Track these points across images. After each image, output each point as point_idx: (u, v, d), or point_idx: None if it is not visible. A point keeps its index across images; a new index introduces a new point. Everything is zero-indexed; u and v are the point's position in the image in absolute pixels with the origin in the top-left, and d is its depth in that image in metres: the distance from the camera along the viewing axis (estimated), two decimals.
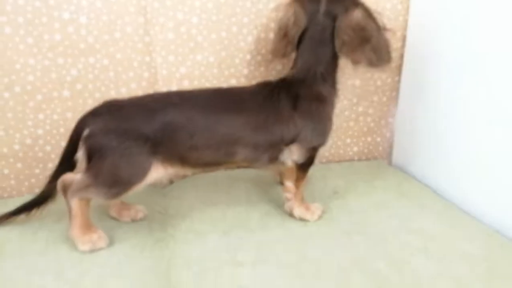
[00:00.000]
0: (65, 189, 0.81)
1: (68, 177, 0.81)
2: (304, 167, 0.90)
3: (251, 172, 1.13)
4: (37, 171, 1.04)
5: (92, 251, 0.80)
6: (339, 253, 0.78)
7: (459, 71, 0.95)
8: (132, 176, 0.79)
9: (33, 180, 1.05)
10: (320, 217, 0.91)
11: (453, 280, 0.71)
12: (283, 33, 0.86)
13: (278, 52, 0.89)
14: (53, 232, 0.87)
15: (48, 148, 1.03)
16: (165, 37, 1.02)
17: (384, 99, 1.21)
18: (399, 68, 1.17)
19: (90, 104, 1.02)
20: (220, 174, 1.14)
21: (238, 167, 1.10)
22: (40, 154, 1.03)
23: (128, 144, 0.77)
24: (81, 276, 0.74)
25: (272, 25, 1.06)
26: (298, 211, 0.90)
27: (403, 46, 1.15)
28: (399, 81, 1.19)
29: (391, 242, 0.82)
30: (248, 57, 1.08)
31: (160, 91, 0.99)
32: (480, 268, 0.73)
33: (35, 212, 0.86)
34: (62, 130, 1.02)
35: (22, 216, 0.87)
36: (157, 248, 0.82)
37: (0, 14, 0.92)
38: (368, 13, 0.83)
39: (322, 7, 0.83)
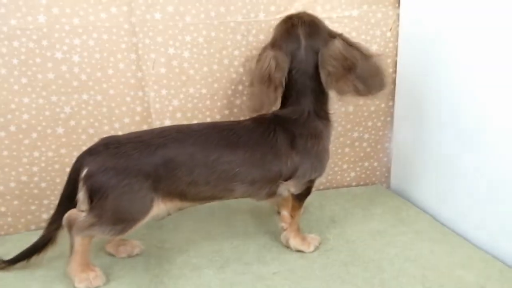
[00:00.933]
0: (71, 225, 0.79)
1: (73, 213, 0.80)
2: (300, 197, 0.90)
3: (248, 203, 1.12)
4: (33, 207, 1.04)
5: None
6: (336, 285, 0.77)
7: (452, 93, 0.96)
8: (135, 213, 0.79)
9: (29, 217, 1.05)
10: (317, 248, 0.90)
11: None
12: (266, 80, 0.84)
13: (266, 102, 0.86)
14: (52, 270, 0.86)
15: (43, 184, 1.03)
16: (157, 72, 1.03)
17: (379, 124, 1.21)
18: (392, 93, 1.18)
19: (84, 139, 1.03)
20: (217, 205, 1.13)
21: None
22: (36, 191, 1.03)
23: (128, 181, 0.77)
24: None
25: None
26: (293, 242, 0.89)
27: (394, 71, 1.16)
28: (393, 106, 1.20)
29: (388, 271, 0.81)
30: (240, 87, 1.09)
31: (158, 127, 0.98)
32: None
33: (35, 259, 0.84)
34: (56, 166, 1.03)
35: (21, 263, 0.84)
36: (153, 285, 0.81)
37: None
38: (348, 41, 0.84)
39: (302, 44, 0.84)
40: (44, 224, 1.02)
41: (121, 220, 0.78)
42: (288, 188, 0.87)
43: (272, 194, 0.87)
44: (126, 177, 0.77)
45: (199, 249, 0.92)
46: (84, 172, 0.78)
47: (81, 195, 0.78)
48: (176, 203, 0.83)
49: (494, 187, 0.85)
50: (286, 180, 0.86)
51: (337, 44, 0.83)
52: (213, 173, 0.81)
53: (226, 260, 0.87)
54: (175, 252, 0.91)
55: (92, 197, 0.77)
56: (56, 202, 1.02)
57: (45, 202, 1.04)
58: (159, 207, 0.81)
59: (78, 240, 0.79)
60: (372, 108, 1.19)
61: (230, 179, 0.82)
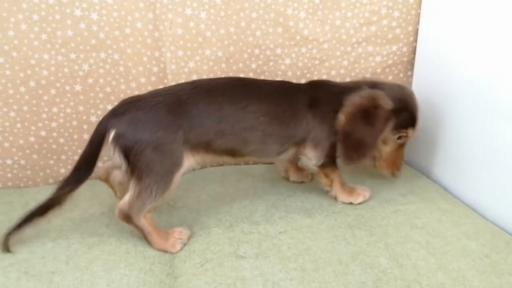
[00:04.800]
0: (127, 215, 0.79)
1: (122, 203, 0.79)
2: (326, 166, 0.93)
3: (258, 168, 1.14)
4: (51, 162, 1.08)
5: (183, 246, 0.81)
6: (341, 247, 0.79)
7: (472, 66, 0.94)
8: (171, 165, 0.79)
9: (48, 171, 1.08)
10: (365, 199, 0.95)
11: (452, 274, 0.70)
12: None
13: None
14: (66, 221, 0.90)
15: (61, 140, 1.06)
16: (174, 33, 1.03)
17: None
18: (412, 63, 1.16)
19: (101, 98, 1.05)
20: (229, 168, 1.16)
21: (246, 163, 1.12)
22: (54, 146, 1.07)
23: (161, 133, 0.78)
24: (91, 262, 0.76)
25: (281, 19, 1.06)
26: (341, 197, 0.95)
27: (415, 40, 1.13)
28: (411, 76, 1.18)
29: (393, 236, 0.81)
30: (257, 51, 1.09)
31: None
32: (481, 264, 0.72)
33: (40, 222, 0.79)
34: (74, 123, 1.06)
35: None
36: None
37: (17, 12, 0.96)
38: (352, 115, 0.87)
39: None
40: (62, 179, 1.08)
41: (160, 174, 0.78)
42: (309, 161, 0.92)
43: (281, 152, 0.90)
44: (159, 129, 0.78)
45: (209, 208, 0.94)
46: (112, 134, 0.77)
47: (116, 157, 0.77)
48: (200, 156, 0.85)
49: (505, 160, 0.84)
50: (298, 144, 0.90)
51: (341, 117, 0.88)
52: (240, 121, 0.84)
53: (235, 219, 0.89)
54: (186, 210, 0.94)
55: (127, 156, 0.77)
56: (74, 158, 1.07)
57: (63, 157, 1.08)
58: (189, 160, 0.83)
59: (144, 223, 0.79)
60: (390, 78, 1.18)
61: (253, 128, 0.85)
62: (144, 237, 0.81)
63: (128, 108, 0.79)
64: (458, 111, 0.99)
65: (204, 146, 0.84)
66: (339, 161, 0.91)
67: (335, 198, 0.95)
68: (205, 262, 0.76)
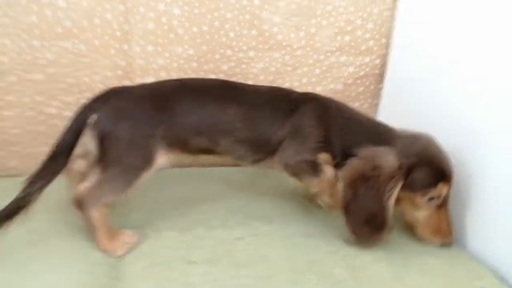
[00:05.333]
0: (81, 202, 0.74)
1: (80, 189, 0.75)
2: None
3: (226, 170, 1.11)
4: (2, 153, 1.02)
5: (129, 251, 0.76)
6: (297, 255, 0.76)
7: (442, 83, 0.93)
8: (142, 161, 0.76)
9: None
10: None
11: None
12: None
13: None
14: None
15: (15, 131, 1.01)
16: (145, 27, 1.00)
17: (366, 105, 1.19)
18: (382, 75, 1.16)
19: (62, 88, 1.00)
20: (194, 170, 1.12)
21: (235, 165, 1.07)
22: (6, 136, 1.01)
23: (140, 126, 0.76)
24: (29, 261, 0.71)
25: (256, 22, 1.04)
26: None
27: (387, 53, 1.13)
28: (382, 89, 1.17)
29: (352, 248, 0.79)
30: (229, 52, 1.07)
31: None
32: (440, 281, 0.71)
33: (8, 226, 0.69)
34: (31, 113, 1.00)
35: None
36: None
37: None
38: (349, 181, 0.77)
39: None
40: (13, 172, 1.02)
41: (128, 168, 0.75)
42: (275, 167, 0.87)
43: (257, 161, 0.87)
44: (139, 121, 0.76)
45: (165, 210, 0.89)
46: (94, 118, 0.74)
47: (89, 144, 0.74)
48: (175, 155, 0.82)
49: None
50: (272, 152, 0.85)
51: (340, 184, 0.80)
52: (216, 123, 0.82)
53: (191, 223, 0.85)
54: (141, 211, 0.89)
55: (102, 143, 0.74)
56: (26, 150, 1.02)
57: (14, 148, 1.02)
58: (163, 159, 0.79)
59: (96, 215, 0.74)
60: (361, 89, 1.17)
61: (225, 132, 0.83)
62: (92, 232, 0.76)
63: (112, 96, 0.78)
64: (427, 126, 0.98)
65: (181, 145, 0.81)
66: (351, 240, 0.79)
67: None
68: (153, 265, 0.72)
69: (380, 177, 0.73)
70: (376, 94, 1.19)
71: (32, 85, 0.99)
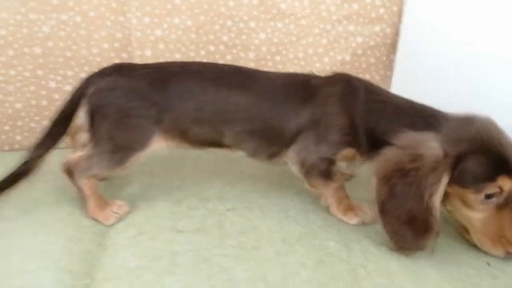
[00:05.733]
0: (71, 170, 0.74)
1: (72, 157, 0.75)
2: (312, 177, 0.76)
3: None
4: (6, 128, 1.03)
5: (119, 220, 0.74)
6: (289, 227, 0.73)
7: (460, 52, 0.86)
8: (134, 142, 0.74)
9: (3, 137, 1.03)
10: (361, 223, 0.75)
11: (404, 262, 0.63)
12: None
13: None
14: None
15: (18, 105, 1.01)
16: None
17: (377, 77, 1.13)
18: (395, 45, 1.09)
19: (61, 62, 1.00)
20: None
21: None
22: (10, 111, 1.01)
23: (135, 104, 0.73)
24: (20, 228, 0.71)
25: None
26: (334, 213, 0.77)
27: (399, 21, 1.06)
28: (394, 60, 1.11)
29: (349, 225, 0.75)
30: (229, 23, 1.03)
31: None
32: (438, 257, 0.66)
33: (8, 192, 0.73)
34: (32, 88, 1.01)
35: None
36: None
37: None
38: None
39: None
40: (17, 146, 1.03)
41: (119, 147, 0.73)
42: (289, 158, 0.76)
43: (271, 157, 0.78)
44: (134, 99, 0.73)
45: (160, 184, 0.87)
46: (91, 90, 0.73)
47: (82, 115, 0.73)
48: (176, 143, 0.78)
49: None
50: (283, 144, 0.76)
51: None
52: (219, 111, 0.76)
53: (185, 195, 0.83)
54: (135, 183, 0.87)
55: (93, 116, 0.73)
56: (31, 125, 1.02)
57: (19, 123, 1.03)
58: (159, 143, 0.76)
59: (85, 184, 0.74)
60: (372, 60, 1.11)
61: (230, 122, 0.76)
62: (83, 200, 0.75)
63: (114, 71, 0.77)
64: (445, 101, 0.91)
65: (180, 133, 0.77)
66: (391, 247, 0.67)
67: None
68: (139, 234, 0.70)
69: (421, 169, 0.60)
70: (388, 66, 1.12)
71: (32, 59, 0.99)
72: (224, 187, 0.86)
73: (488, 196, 0.62)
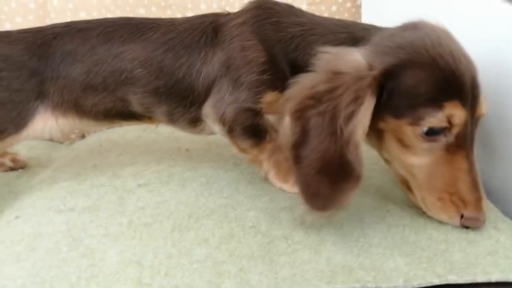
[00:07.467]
0: None
1: None
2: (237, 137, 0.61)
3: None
4: None
5: None
6: (208, 200, 0.58)
7: None
8: (7, 122, 0.61)
9: None
10: None
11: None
12: None
13: None
14: None
15: None
16: None
17: (348, 5, 0.95)
18: None
19: None
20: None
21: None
22: None
23: (7, 74, 0.61)
24: None
25: None
26: (273, 180, 0.62)
27: None
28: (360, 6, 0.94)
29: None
30: None
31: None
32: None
33: None
34: None
35: None
36: None
37: None
38: None
39: None
40: None
41: None
42: (207, 117, 0.62)
43: (194, 122, 0.64)
44: (5, 69, 0.61)
45: (78, 163, 0.74)
46: None
47: None
48: (71, 120, 0.65)
49: None
50: (201, 101, 0.61)
51: None
52: (113, 73, 0.62)
53: (96, 174, 0.68)
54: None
55: None
56: None
57: None
58: (47, 123, 0.63)
59: None
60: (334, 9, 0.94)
61: (127, 83, 0.62)
62: None
63: None
64: None
65: (73, 106, 0.63)
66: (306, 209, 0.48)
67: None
68: (16, 217, 0.57)
69: (337, 89, 0.44)
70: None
71: None
72: (149, 163, 0.71)
73: (432, 132, 0.44)
